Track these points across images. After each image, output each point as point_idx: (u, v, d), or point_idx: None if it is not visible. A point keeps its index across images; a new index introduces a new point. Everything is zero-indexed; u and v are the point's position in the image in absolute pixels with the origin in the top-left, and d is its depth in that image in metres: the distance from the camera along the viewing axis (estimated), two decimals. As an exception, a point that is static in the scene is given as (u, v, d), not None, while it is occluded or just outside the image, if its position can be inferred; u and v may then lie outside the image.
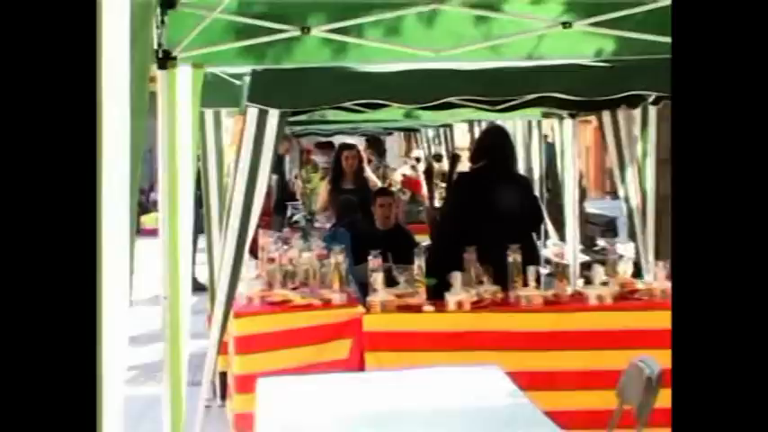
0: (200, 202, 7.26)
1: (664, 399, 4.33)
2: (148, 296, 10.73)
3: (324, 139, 16.48)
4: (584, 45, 6.64)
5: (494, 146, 8.21)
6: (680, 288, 2.75)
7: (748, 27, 2.68)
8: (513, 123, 11.90)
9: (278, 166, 15.47)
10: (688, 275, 2.72)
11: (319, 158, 15.26)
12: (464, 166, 10.85)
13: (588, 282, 7.67)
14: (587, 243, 12.00)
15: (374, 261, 7.16)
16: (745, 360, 2.66)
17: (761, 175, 2.66)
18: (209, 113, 8.18)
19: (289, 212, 14.52)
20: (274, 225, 13.04)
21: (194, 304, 6.23)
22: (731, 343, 2.68)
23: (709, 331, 2.69)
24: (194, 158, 5.80)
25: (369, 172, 12.51)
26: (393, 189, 12.26)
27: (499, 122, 11.05)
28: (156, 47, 5.66)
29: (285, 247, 7.91)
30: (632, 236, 8.57)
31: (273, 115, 6.35)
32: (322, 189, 12.21)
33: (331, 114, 9.82)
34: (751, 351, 2.66)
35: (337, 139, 15.13)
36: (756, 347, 2.65)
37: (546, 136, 12.12)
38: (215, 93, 7.46)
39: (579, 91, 6.86)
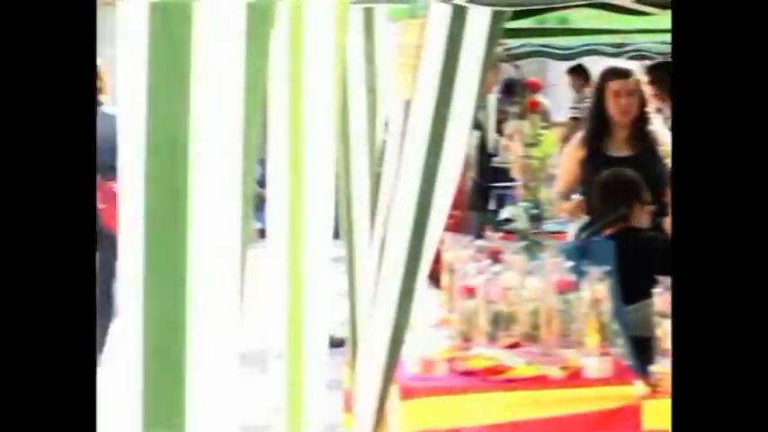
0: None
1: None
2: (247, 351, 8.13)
3: (568, 64, 11.61)
4: None
5: None
6: (680, 290, 3.16)
7: (750, 27, 3.06)
8: None
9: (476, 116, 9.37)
10: (688, 278, 3.12)
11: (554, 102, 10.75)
12: None
13: None
14: None
15: (665, 297, 5.05)
16: (745, 363, 3.06)
17: (761, 178, 3.08)
18: (354, 16, 5.17)
19: (493, 203, 10.29)
20: (470, 227, 9.09)
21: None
22: (731, 345, 3.07)
23: (709, 333, 3.10)
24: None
25: (659, 124, 7.73)
26: None
27: None
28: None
29: (493, 267, 5.63)
30: None
31: (480, 15, 4.55)
32: (564, 157, 7.92)
33: (578, 16, 6.28)
34: (750, 354, 3.06)
35: (593, 63, 10.96)
36: (756, 351, 3.05)
37: None
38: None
39: None
